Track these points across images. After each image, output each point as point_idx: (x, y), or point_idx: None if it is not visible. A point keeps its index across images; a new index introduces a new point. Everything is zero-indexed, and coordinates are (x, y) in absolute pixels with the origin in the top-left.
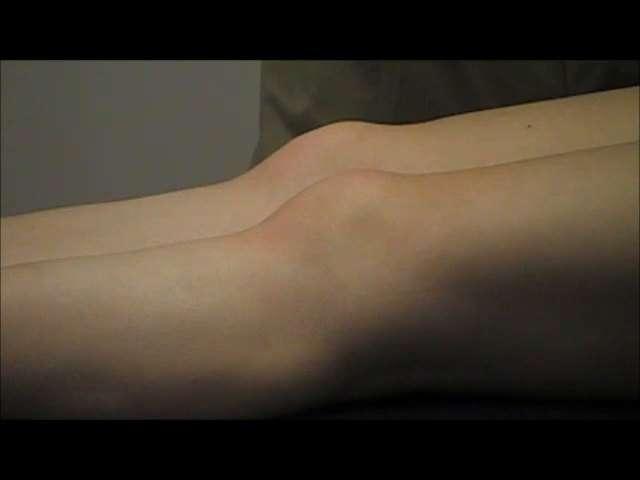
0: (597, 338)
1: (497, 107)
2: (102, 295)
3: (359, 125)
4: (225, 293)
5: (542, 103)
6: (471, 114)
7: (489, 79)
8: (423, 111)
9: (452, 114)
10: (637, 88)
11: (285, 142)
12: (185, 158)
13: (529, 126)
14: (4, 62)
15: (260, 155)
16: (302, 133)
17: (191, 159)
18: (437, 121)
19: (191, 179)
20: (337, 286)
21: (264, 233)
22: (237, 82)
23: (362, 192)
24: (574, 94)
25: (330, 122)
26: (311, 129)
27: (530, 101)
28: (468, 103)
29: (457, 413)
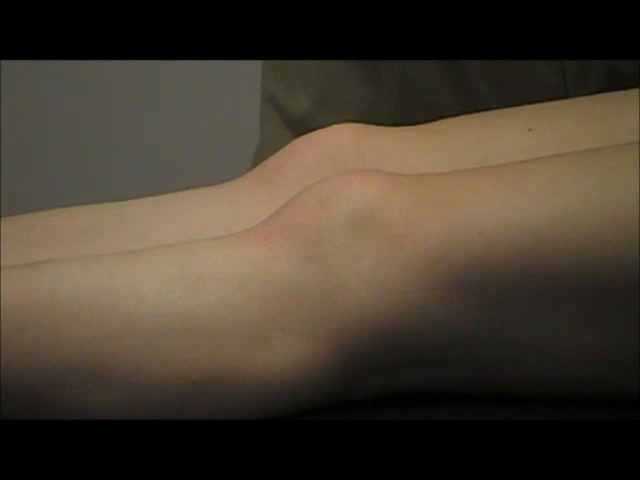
0: (597, 338)
1: (497, 107)
2: (102, 294)
3: (360, 126)
4: (225, 292)
5: (542, 105)
6: (471, 115)
7: (489, 79)
8: (423, 112)
9: (452, 115)
10: (637, 90)
11: (285, 142)
12: (186, 158)
13: (530, 129)
14: (4, 62)
15: (260, 155)
16: (302, 133)
17: (191, 159)
18: (437, 122)
19: (191, 179)
20: (337, 286)
21: (264, 233)
22: (237, 82)
23: (362, 192)
24: (574, 94)
25: (330, 122)
26: (311, 129)
27: (530, 101)
28: (468, 103)
29: (457, 413)
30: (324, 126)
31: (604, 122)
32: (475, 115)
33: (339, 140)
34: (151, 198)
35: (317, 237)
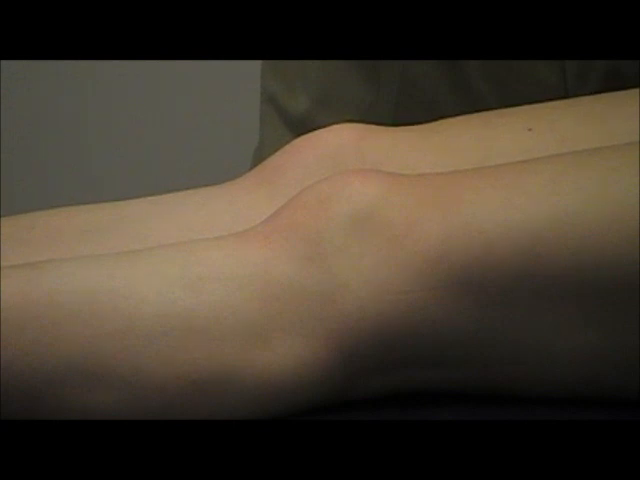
0: (597, 338)
1: (497, 107)
2: (102, 294)
3: (360, 126)
4: (225, 292)
5: (542, 105)
6: (471, 115)
7: (489, 79)
8: (423, 112)
9: (452, 115)
10: (637, 90)
11: (285, 142)
12: (185, 158)
13: (530, 129)
14: (4, 62)
15: (260, 155)
16: (302, 133)
17: (191, 160)
18: (437, 122)
19: (191, 180)
20: (337, 286)
21: (264, 233)
22: (237, 82)
23: (362, 191)
24: (574, 94)
25: (330, 122)
26: (311, 129)
27: (530, 101)
28: (468, 103)
29: (457, 413)
30: (324, 126)
31: (604, 122)
32: (475, 115)
33: (339, 140)
34: (151, 198)
35: (317, 237)
